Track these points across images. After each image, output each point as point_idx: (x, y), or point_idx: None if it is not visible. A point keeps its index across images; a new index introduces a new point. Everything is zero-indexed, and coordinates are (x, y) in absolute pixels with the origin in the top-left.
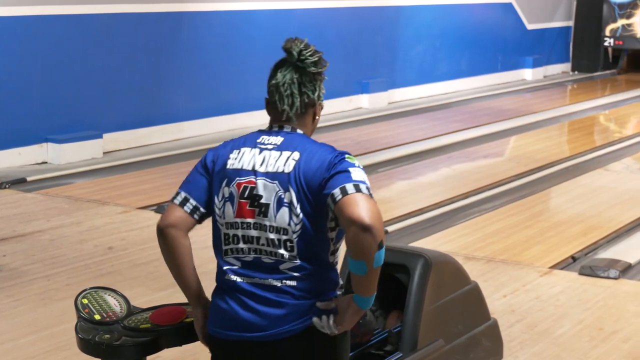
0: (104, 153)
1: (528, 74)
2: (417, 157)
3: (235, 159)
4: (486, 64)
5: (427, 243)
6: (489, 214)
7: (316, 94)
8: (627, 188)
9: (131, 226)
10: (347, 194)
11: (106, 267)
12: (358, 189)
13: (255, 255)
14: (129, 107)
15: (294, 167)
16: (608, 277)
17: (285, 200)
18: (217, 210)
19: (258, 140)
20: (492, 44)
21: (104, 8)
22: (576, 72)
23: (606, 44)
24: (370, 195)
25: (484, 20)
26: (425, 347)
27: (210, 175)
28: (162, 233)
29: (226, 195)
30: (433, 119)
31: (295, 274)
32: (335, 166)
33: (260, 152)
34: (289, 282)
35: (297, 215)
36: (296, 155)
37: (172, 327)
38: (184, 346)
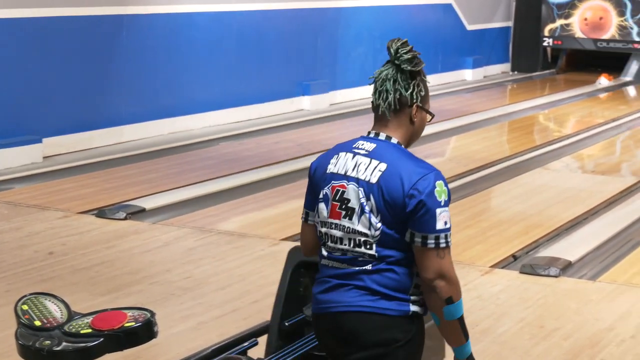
0: (44, 158)
1: (468, 75)
2: None
3: (334, 163)
4: (427, 64)
5: None
6: None
7: (409, 92)
8: (567, 187)
9: (72, 231)
10: (426, 246)
11: (47, 272)
12: (437, 244)
13: (341, 253)
14: (69, 111)
15: (379, 179)
16: (549, 275)
17: (367, 208)
18: (316, 211)
19: (354, 145)
20: (432, 45)
21: (41, 12)
22: (516, 72)
23: (545, 44)
24: (449, 246)
25: (424, 21)
26: None
27: (312, 183)
28: (310, 256)
29: (322, 196)
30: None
31: (367, 269)
32: (422, 202)
33: (354, 156)
34: (360, 275)
35: (377, 223)
36: (382, 166)
37: (113, 332)
38: (125, 351)
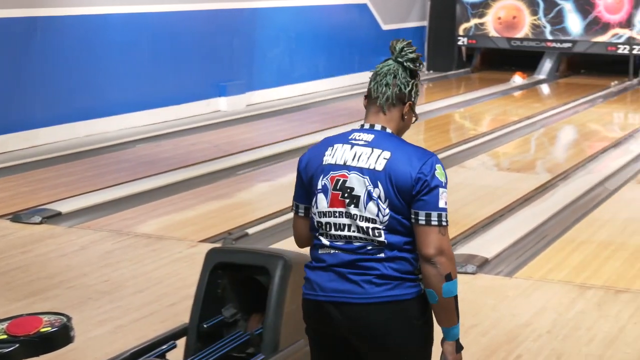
0: None
1: None
2: (276, 158)
3: (330, 155)
4: (343, 64)
5: (288, 244)
6: None
7: (408, 90)
8: (482, 184)
9: None
10: (430, 224)
11: None
12: (440, 222)
13: (345, 241)
14: None
15: (385, 166)
16: (466, 272)
17: (374, 195)
18: (312, 202)
19: (350, 137)
20: (348, 45)
21: None
22: (431, 71)
23: (460, 43)
24: (447, 224)
25: (340, 22)
26: (286, 348)
27: (303, 176)
28: (303, 247)
29: (320, 187)
30: (292, 120)
31: (380, 257)
32: (427, 183)
33: (352, 147)
34: (373, 264)
35: (385, 209)
36: (387, 154)
37: (29, 338)
38: (42, 356)
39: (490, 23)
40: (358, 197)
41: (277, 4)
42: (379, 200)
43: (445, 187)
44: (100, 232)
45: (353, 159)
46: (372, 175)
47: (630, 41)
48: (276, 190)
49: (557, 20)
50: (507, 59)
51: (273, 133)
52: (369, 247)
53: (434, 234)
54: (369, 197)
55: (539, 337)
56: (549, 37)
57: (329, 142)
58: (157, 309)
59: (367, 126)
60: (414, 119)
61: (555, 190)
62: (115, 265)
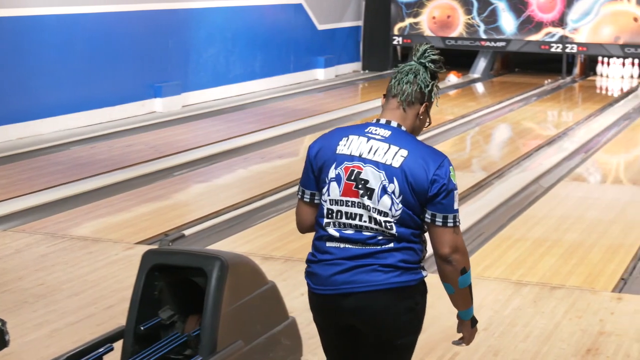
0: None
1: (320, 74)
2: (213, 159)
3: (344, 145)
4: (279, 64)
5: (225, 245)
6: (286, 214)
7: (428, 89)
8: None
9: None
10: (447, 225)
11: None
12: (455, 223)
13: (355, 230)
14: None
15: (402, 164)
16: None
17: (389, 190)
18: (323, 189)
19: (366, 130)
20: (284, 45)
21: None
22: (367, 71)
23: (395, 42)
24: (460, 224)
25: (276, 22)
26: (224, 349)
27: (313, 164)
28: (305, 233)
29: (333, 176)
30: (228, 120)
31: (389, 247)
32: (444, 186)
33: (368, 140)
34: (381, 254)
35: (398, 204)
36: (404, 152)
37: None
38: None
39: (425, 22)
40: (372, 189)
41: (212, 5)
42: (393, 196)
43: (457, 188)
44: (35, 235)
45: (369, 152)
46: (388, 170)
47: (563, 40)
48: (213, 191)
49: (491, 19)
50: (441, 58)
51: (209, 134)
52: (380, 238)
53: (449, 234)
54: (384, 191)
55: (476, 334)
56: (483, 36)
57: (344, 132)
58: (94, 312)
59: (383, 121)
60: (427, 122)
61: (491, 188)
62: (50, 269)
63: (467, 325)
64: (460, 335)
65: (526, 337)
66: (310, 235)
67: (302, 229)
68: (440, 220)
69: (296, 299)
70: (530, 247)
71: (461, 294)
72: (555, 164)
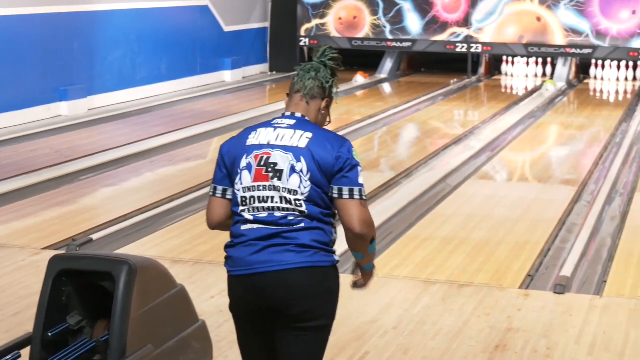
0: None
1: (227, 76)
2: (120, 162)
3: (254, 137)
4: (185, 67)
5: (133, 249)
6: (195, 216)
7: (328, 85)
8: None
9: None
10: (353, 198)
11: None
12: (361, 196)
13: (268, 212)
14: None
15: (307, 144)
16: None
17: (297, 169)
18: (236, 179)
19: (273, 122)
20: (190, 47)
21: None
22: (274, 72)
23: (302, 43)
24: (366, 198)
25: (182, 23)
26: (134, 353)
27: (225, 159)
28: (215, 230)
29: (244, 165)
30: (135, 123)
31: (300, 226)
32: (348, 161)
33: (275, 129)
34: (294, 234)
35: (306, 182)
36: (309, 134)
37: None
38: None
39: (332, 23)
40: (281, 170)
41: (116, 7)
42: (302, 174)
43: (360, 166)
44: None
45: (276, 139)
46: (295, 151)
47: (468, 40)
48: (120, 195)
49: (397, 19)
50: (348, 59)
51: (116, 137)
52: (291, 217)
53: (356, 207)
54: (292, 170)
55: (386, 334)
56: (389, 37)
57: (253, 128)
58: (0, 319)
59: (288, 114)
60: (328, 119)
61: (399, 187)
62: None
63: (368, 274)
64: (359, 277)
65: (435, 335)
66: (220, 238)
67: (211, 224)
68: (347, 193)
69: (206, 302)
70: (439, 246)
71: (368, 257)
72: (462, 163)
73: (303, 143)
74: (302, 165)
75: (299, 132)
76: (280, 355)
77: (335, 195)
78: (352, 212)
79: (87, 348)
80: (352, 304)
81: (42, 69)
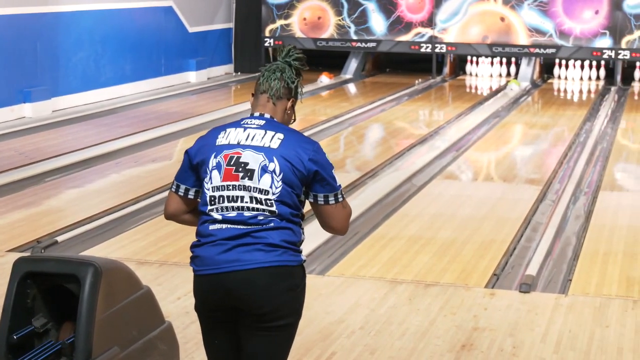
0: None
1: (192, 77)
2: (85, 164)
3: (223, 137)
4: (150, 68)
5: (99, 251)
6: (161, 218)
7: (294, 85)
8: None
9: None
10: (337, 202)
11: None
12: (337, 199)
13: (238, 212)
14: None
15: (280, 145)
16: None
17: (269, 169)
18: (205, 179)
19: (242, 122)
20: (155, 48)
21: None
22: (239, 73)
23: (266, 44)
24: (344, 197)
25: (146, 24)
26: (99, 355)
27: (193, 159)
28: (169, 220)
29: (214, 165)
30: (100, 125)
31: (270, 226)
32: (324, 168)
33: (245, 129)
34: (263, 233)
35: (278, 182)
36: (280, 135)
37: None
38: None
39: (296, 24)
40: (252, 170)
41: (80, 8)
42: (274, 174)
43: (333, 166)
44: None
45: (247, 139)
46: (267, 151)
47: (432, 40)
48: (85, 197)
49: (361, 20)
50: (313, 60)
51: (80, 139)
52: (260, 217)
53: (339, 211)
54: (264, 170)
55: (353, 334)
56: (354, 37)
57: (221, 128)
58: None
59: (257, 114)
60: (293, 119)
61: (365, 187)
62: None
63: None
64: None
65: (402, 335)
66: (186, 239)
67: (167, 214)
68: (333, 199)
69: (172, 304)
70: (405, 246)
71: None
72: (428, 163)
73: (275, 144)
74: (274, 166)
75: (270, 133)
76: (245, 354)
77: (321, 202)
78: (334, 216)
79: (52, 350)
80: (318, 304)
81: (6, 71)
